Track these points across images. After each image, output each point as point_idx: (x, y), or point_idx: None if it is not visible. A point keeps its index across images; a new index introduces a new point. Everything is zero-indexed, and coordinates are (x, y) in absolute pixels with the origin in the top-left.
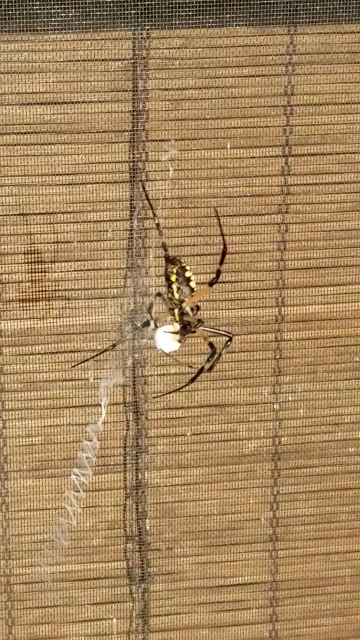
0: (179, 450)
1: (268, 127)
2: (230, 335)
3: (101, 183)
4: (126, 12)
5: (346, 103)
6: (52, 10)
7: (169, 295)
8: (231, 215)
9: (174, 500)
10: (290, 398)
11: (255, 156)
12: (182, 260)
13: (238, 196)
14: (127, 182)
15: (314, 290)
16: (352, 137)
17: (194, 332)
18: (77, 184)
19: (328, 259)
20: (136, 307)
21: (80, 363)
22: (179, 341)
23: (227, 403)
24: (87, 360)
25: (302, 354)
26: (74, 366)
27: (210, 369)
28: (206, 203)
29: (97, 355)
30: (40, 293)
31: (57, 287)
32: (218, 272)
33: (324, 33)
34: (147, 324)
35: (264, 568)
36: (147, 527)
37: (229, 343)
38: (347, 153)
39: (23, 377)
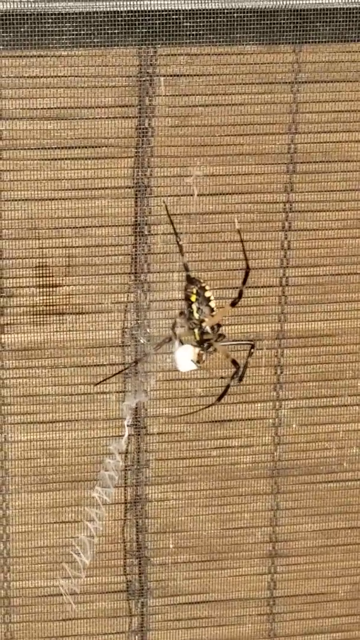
0: (178, 466)
1: (273, 144)
2: (252, 343)
3: (107, 198)
4: (134, 29)
5: (350, 121)
6: (64, 28)
7: (189, 315)
8: (235, 232)
9: (173, 515)
10: (290, 414)
11: (259, 173)
12: (202, 281)
13: (242, 212)
14: (132, 198)
15: (316, 307)
16: (355, 155)
17: (215, 350)
18: (82, 198)
19: (330, 275)
20: (139, 323)
21: (103, 382)
22: (198, 362)
23: (227, 419)
24: (109, 377)
25: (303, 370)
26: (97, 384)
27: (241, 379)
28: (211, 219)
29: (120, 372)
30: (44, 307)
31: (61, 302)
32: (240, 292)
33: (330, 52)
34: (169, 339)
35: (263, 584)
36: (147, 542)
37: (252, 351)
38: (350, 171)
39: (25, 391)
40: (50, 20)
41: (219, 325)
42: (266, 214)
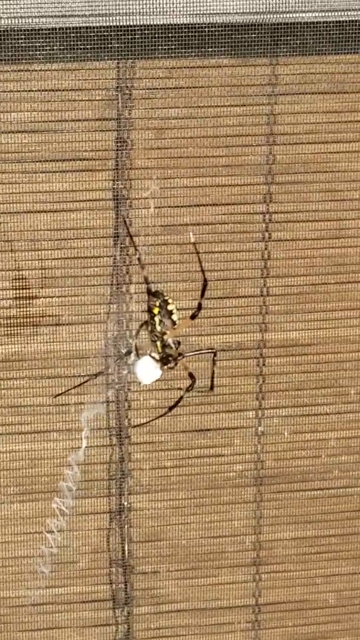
0: (162, 475)
1: (250, 155)
2: (214, 351)
3: (85, 210)
4: (110, 43)
5: (327, 132)
6: (37, 44)
7: (151, 327)
8: (214, 242)
9: (157, 524)
10: (273, 422)
11: (238, 184)
12: (165, 294)
13: (221, 223)
14: (112, 210)
15: (296, 316)
16: (333, 166)
17: (176, 364)
18: (61, 211)
19: (310, 285)
20: (120, 334)
21: (64, 393)
22: (161, 369)
23: (211, 427)
24: (69, 389)
25: (285, 379)
26: (56, 396)
27: (211, 387)
28: (189, 231)
29: (80, 385)
30: (25, 319)
31: (41, 313)
32: (199, 305)
33: (305, 64)
34: (129, 352)
35: (247, 591)
36: (131, 551)
37: (215, 358)
38: (328, 182)
39: (8, 402)
40: (25, 36)
41: (178, 343)
42: (246, 224)
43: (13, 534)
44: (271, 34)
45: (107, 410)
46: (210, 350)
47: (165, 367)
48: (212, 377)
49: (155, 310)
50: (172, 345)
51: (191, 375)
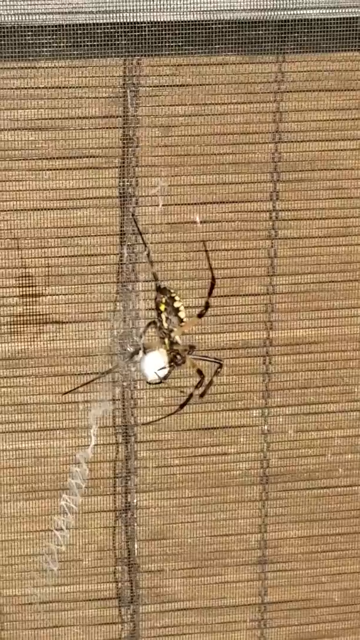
0: (168, 473)
1: (257, 153)
2: (220, 362)
3: (92, 208)
4: (117, 40)
5: (333, 130)
6: (44, 40)
7: (159, 324)
8: (221, 240)
9: (163, 522)
10: (279, 421)
11: (244, 182)
12: (172, 290)
13: (227, 221)
14: (118, 207)
15: (303, 314)
16: (339, 163)
17: (184, 362)
18: (67, 208)
19: (316, 283)
20: (126, 332)
21: (72, 391)
22: (167, 368)
23: (217, 426)
24: (78, 387)
25: (291, 377)
26: (65, 394)
27: (203, 395)
28: (196, 228)
29: (90, 382)
30: (31, 317)
31: (47, 311)
32: (207, 304)
33: (312, 61)
34: (136, 352)
35: (253, 590)
36: (137, 549)
37: (219, 370)
38: (334, 179)
39: (14, 400)
40: (32, 33)
41: (192, 348)
42: (252, 222)
43: (19, 532)
44: (278, 31)
45: (113, 408)
46: (216, 360)
47: (172, 363)
48: (208, 387)
49: (162, 307)
50: (180, 343)
51: (200, 372)
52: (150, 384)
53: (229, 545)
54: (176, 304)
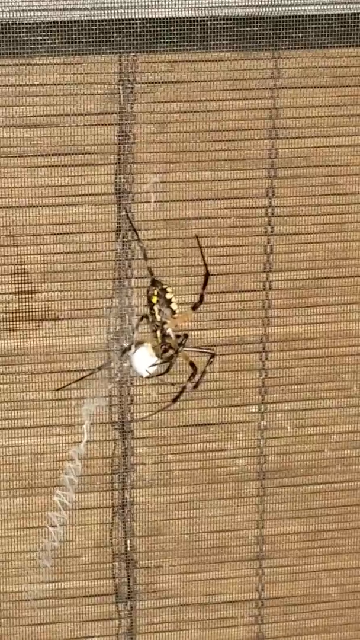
0: (165, 469)
1: (253, 149)
2: (213, 352)
3: (88, 205)
4: (112, 36)
5: (329, 126)
6: (39, 37)
7: (152, 317)
8: (216, 237)
9: (160, 518)
10: (276, 417)
11: (241, 178)
12: (164, 282)
13: (223, 217)
14: (114, 204)
15: (299, 310)
16: (335, 159)
17: (177, 354)
18: (63, 205)
19: (313, 279)
20: (122, 328)
21: (65, 387)
22: (160, 363)
23: (214, 422)
24: (71, 383)
25: (287, 374)
26: (58, 390)
27: (196, 386)
28: (192, 225)
29: (82, 378)
30: (27, 313)
31: (43, 308)
32: (201, 297)
33: (308, 57)
34: (129, 348)
35: (251, 586)
36: (134, 545)
37: (212, 360)
38: (330, 176)
39: (9, 397)
40: (27, 30)
41: (185, 336)
42: (248, 218)
43: (15, 529)
44: (273, 27)
45: (110, 405)
46: (210, 351)
47: (163, 356)
48: (202, 376)
49: (154, 299)
50: (172, 336)
51: (192, 365)
52: (147, 378)
53: (227, 541)
54: (168, 295)
